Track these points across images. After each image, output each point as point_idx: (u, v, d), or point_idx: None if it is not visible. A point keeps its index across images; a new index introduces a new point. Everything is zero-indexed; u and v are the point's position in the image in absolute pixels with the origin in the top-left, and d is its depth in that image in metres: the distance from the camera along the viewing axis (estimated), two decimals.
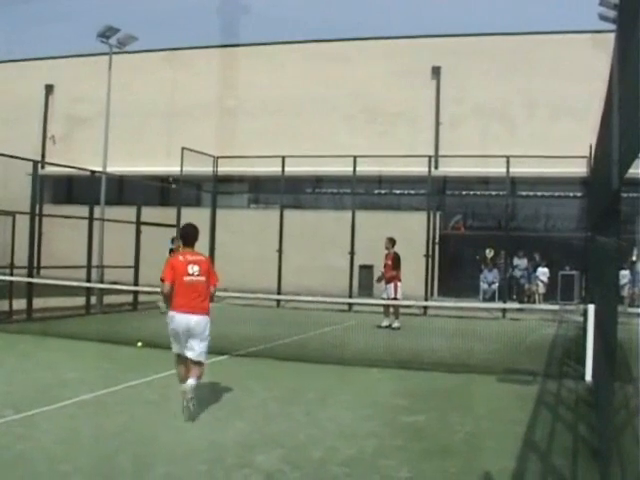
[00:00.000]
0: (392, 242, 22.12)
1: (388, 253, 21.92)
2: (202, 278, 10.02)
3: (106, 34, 30.20)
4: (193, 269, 10.02)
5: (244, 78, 33.78)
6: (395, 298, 21.33)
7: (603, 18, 20.29)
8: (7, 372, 12.60)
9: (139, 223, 25.32)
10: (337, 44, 35.80)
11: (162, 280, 10.08)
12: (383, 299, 21.68)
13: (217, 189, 31.59)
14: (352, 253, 28.12)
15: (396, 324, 21.22)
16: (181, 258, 10.16)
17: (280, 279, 28.48)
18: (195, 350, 9.92)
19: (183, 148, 27.47)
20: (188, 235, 10.51)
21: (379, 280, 21.98)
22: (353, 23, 56.40)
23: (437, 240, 29.39)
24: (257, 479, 7.27)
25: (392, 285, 21.55)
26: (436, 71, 34.00)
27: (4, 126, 37.62)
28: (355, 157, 28.42)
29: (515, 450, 8.30)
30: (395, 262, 21.75)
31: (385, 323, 21.52)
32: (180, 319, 9.88)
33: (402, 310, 22.20)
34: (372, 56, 34.82)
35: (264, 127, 34.03)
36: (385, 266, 21.77)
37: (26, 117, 39.58)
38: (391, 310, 21.74)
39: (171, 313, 9.96)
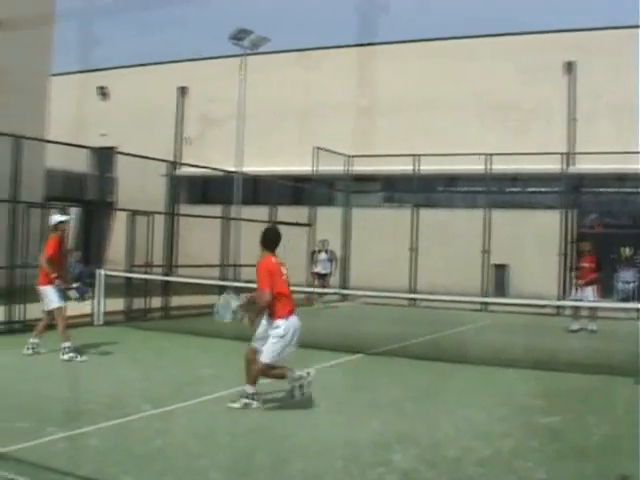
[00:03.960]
0: (589, 244, 21.42)
1: (584, 255, 21.18)
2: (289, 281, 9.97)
3: (239, 36, 30.63)
4: (284, 271, 9.98)
5: (376, 77, 33.74)
6: (593, 301, 20.62)
7: None
8: (145, 368, 12.90)
9: (273, 222, 25.59)
10: (466, 41, 35.35)
11: (261, 289, 9.66)
12: (576, 301, 20.78)
13: (350, 188, 31.68)
14: (486, 252, 27.82)
15: (594, 327, 20.49)
16: (273, 260, 9.95)
17: (413, 278, 28.41)
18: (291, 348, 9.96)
19: (316, 148, 27.64)
20: (275, 240, 10.25)
21: (579, 285, 21.03)
22: (482, 20, 55.61)
23: (572, 239, 28.73)
24: (392, 478, 7.21)
25: (592, 288, 20.69)
26: (569, 66, 33.23)
27: (140, 129, 38.49)
28: (488, 155, 28.10)
29: None
30: (598, 264, 20.99)
31: (576, 326, 20.72)
32: (294, 324, 9.80)
33: (535, 310, 21.78)
34: (502, 52, 34.27)
35: (397, 125, 33.89)
36: (581, 269, 21.02)
37: (161, 119, 40.40)
38: (587, 313, 20.97)
39: (282, 322, 9.67)
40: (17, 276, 16.80)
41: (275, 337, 9.65)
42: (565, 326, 20.83)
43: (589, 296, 20.51)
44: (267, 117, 36.01)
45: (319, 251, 27.06)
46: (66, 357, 13.09)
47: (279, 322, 9.63)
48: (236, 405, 9.68)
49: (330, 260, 27.10)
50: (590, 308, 20.75)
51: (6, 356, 13.41)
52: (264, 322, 9.84)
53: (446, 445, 8.45)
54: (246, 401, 9.74)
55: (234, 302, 8.70)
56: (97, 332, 17.14)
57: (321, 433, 8.84)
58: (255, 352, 9.81)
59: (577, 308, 21.01)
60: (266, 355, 9.67)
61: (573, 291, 21.15)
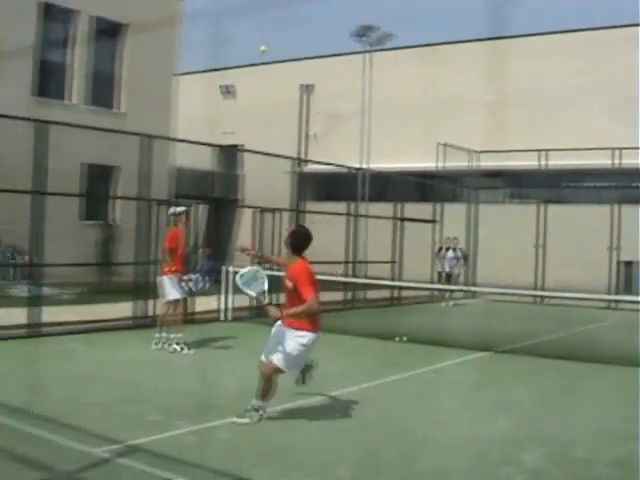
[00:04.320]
0: None
1: None
2: None
3: (363, 33, 30.65)
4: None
5: (504, 71, 33.22)
6: None
7: None
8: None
9: (399, 219, 25.49)
10: (595, 33, 34.56)
11: (309, 297, 8.57)
12: None
13: (476, 184, 31.32)
14: (614, 248, 27.09)
15: None
16: (309, 265, 8.93)
17: (539, 275, 27.90)
18: None
19: (442, 144, 27.40)
20: (308, 241, 9.12)
21: None
22: (607, 11, 54.22)
23: None
24: (521, 478, 7.11)
25: None
26: None
27: (265, 127, 38.89)
28: (617, 149, 27.36)
29: None
30: None
31: None
32: (316, 341, 8.92)
33: None
34: (627, 43, 33.27)
35: (524, 120, 33.34)
36: None
37: (286, 117, 40.75)
38: None
39: (309, 334, 8.71)
40: (146, 272, 17.13)
41: (298, 345, 8.62)
42: None
43: None
44: (392, 113, 35.90)
45: (446, 249, 25.92)
46: (171, 348, 13.27)
47: (305, 333, 8.65)
48: (244, 420, 8.53)
49: (457, 259, 25.76)
50: None
51: (136, 351, 13.67)
52: (278, 332, 8.79)
53: (575, 445, 8.29)
54: (254, 414, 8.61)
55: (263, 282, 7.70)
56: (225, 328, 17.34)
57: (448, 430, 8.76)
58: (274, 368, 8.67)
59: None
60: (282, 359, 8.60)
61: None
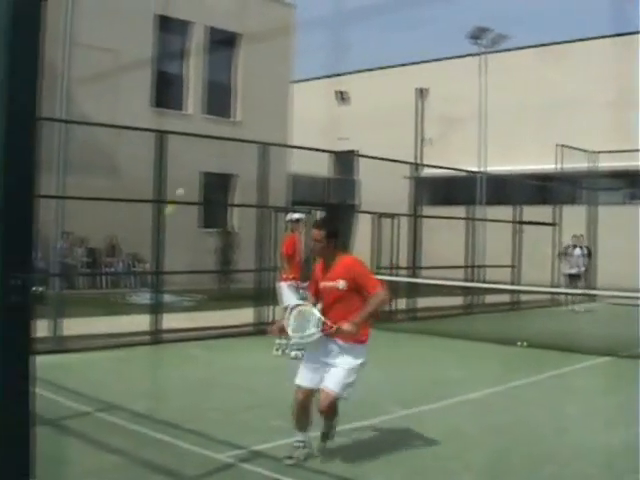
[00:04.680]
0: None
1: None
2: None
3: (477, 35, 30.33)
4: None
5: (625, 68, 32.36)
6: None
7: None
8: (394, 370, 12.86)
9: (518, 222, 25.11)
10: None
11: (377, 287, 7.13)
12: None
13: (595, 185, 30.61)
14: None
15: None
16: None
17: None
18: None
19: (559, 145, 26.87)
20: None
21: None
22: None
23: None
24: None
25: None
26: None
27: (380, 132, 38.79)
28: None
29: None
30: None
31: None
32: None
33: None
34: None
35: None
36: None
37: (401, 121, 40.58)
38: None
39: (364, 348, 7.37)
40: (265, 278, 17.25)
41: (355, 365, 7.17)
42: None
43: None
44: (508, 115, 35.38)
45: (573, 246, 25.18)
46: (293, 354, 13.19)
47: (362, 348, 7.26)
48: (291, 462, 7.20)
49: (584, 256, 25.00)
50: None
51: (257, 357, 13.73)
52: (321, 345, 7.20)
53: None
54: (301, 451, 7.32)
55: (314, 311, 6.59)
56: None
57: (573, 437, 8.60)
58: (311, 394, 7.27)
59: None
60: (339, 385, 7.11)
61: None
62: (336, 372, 7.05)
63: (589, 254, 25.77)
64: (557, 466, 7.43)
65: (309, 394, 7.18)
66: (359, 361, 7.16)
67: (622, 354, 14.83)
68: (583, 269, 25.04)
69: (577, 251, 24.92)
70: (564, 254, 25.49)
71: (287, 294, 13.69)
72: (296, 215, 14.41)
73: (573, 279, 24.79)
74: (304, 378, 7.18)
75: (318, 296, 7.37)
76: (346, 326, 6.84)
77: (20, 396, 2.34)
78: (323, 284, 7.25)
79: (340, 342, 7.06)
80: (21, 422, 2.36)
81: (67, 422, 8.57)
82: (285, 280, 13.77)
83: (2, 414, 2.31)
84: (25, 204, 2.29)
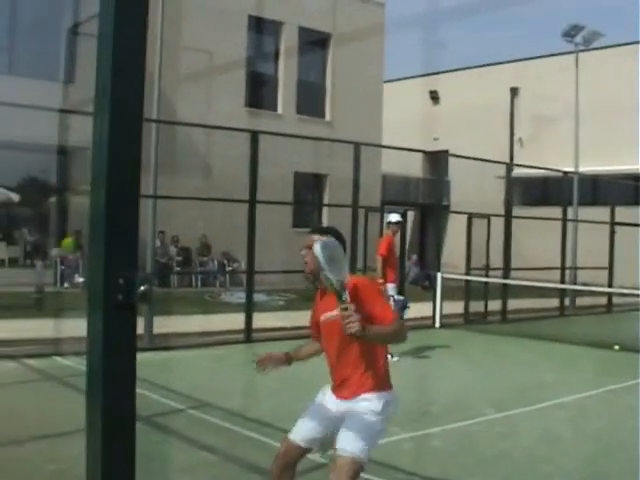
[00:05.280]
0: None
1: None
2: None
3: (571, 33, 29.85)
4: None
5: None
6: None
7: None
8: (487, 372, 12.77)
9: (612, 223, 24.65)
10: None
11: (395, 320, 4.87)
12: None
13: None
14: None
15: None
16: None
17: None
18: None
19: None
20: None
21: None
22: None
23: None
24: None
25: None
26: None
27: (471, 131, 38.50)
28: None
29: None
30: None
31: None
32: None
33: None
34: None
35: None
36: None
37: (492, 121, 40.24)
38: None
39: (392, 396, 5.08)
40: None
41: (377, 416, 4.89)
42: None
43: None
44: (602, 115, 34.79)
45: None
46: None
47: (384, 395, 4.97)
48: None
49: None
50: None
51: None
52: (326, 395, 5.33)
53: None
54: None
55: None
56: (435, 334, 17.25)
57: None
58: (298, 454, 5.31)
59: None
60: (361, 446, 4.76)
61: None
62: (352, 424, 4.88)
63: None
64: None
65: (296, 453, 5.27)
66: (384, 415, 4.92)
67: None
68: None
69: None
70: None
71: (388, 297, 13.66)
72: (396, 216, 14.31)
73: None
74: (298, 427, 5.30)
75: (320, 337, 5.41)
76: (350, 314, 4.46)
77: (127, 398, 2.37)
78: (324, 317, 5.12)
79: (350, 398, 4.99)
80: (128, 424, 2.40)
81: (161, 419, 8.70)
82: (385, 283, 13.68)
83: (109, 416, 2.34)
84: (131, 204, 2.32)
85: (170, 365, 12.37)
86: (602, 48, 34.47)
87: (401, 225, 14.61)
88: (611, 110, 35.25)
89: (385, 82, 34.38)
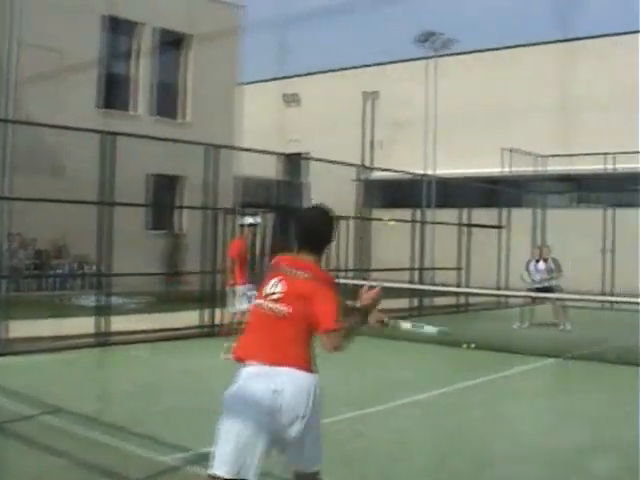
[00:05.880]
0: None
1: None
2: (282, 308, 4.72)
3: (426, 39, 30.56)
4: (271, 288, 4.82)
5: (570, 74, 32.80)
6: None
7: None
8: (341, 371, 12.84)
9: (464, 225, 25.29)
10: None
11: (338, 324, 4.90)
12: None
13: (542, 189, 30.95)
14: None
15: None
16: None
17: (607, 280, 27.48)
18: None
19: (507, 148, 27.16)
20: (302, 228, 4.99)
21: None
22: None
23: None
24: None
25: None
26: None
27: (330, 134, 38.80)
28: None
29: None
30: None
31: None
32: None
33: None
34: None
35: (593, 124, 32.81)
36: None
37: (350, 124, 40.70)
38: None
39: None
40: (212, 281, 17.22)
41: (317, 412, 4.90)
42: None
43: None
44: (457, 119, 35.63)
45: (536, 260, 21.73)
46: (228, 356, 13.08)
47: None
48: None
49: (549, 271, 21.30)
50: None
51: (204, 359, 13.69)
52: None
53: None
54: None
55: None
56: None
57: (518, 439, 8.66)
58: None
59: None
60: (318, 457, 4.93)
61: None
62: (304, 432, 4.72)
63: (557, 267, 21.97)
64: (502, 468, 7.50)
65: None
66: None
67: (567, 356, 15.04)
68: (554, 282, 21.51)
69: (540, 265, 21.62)
70: (526, 269, 23.14)
71: (236, 297, 13.69)
72: (249, 219, 14.36)
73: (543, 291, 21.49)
74: (222, 457, 4.66)
75: None
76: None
77: None
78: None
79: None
80: None
81: (10, 425, 8.49)
82: (234, 283, 13.75)
83: None
84: None
85: (21, 370, 12.06)
86: (457, 54, 35.42)
87: (254, 228, 14.65)
88: (466, 115, 36.11)
89: (244, 84, 34.38)
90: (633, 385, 12.27)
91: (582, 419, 9.66)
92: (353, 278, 21.49)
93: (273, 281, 4.82)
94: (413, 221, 24.17)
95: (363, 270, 21.93)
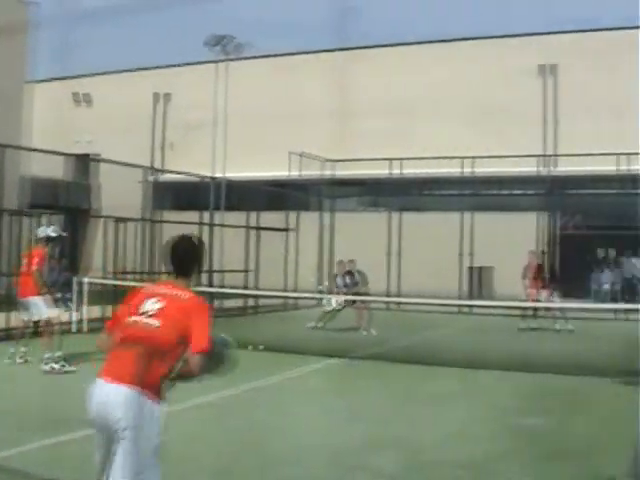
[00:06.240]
0: (536, 253, 22.56)
1: (531, 264, 21.72)
2: (155, 322, 4.99)
3: (217, 42, 30.71)
4: (148, 305, 5.09)
5: (358, 81, 33.77)
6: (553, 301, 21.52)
7: None
8: None
9: (253, 228, 25.59)
10: (445, 45, 35.61)
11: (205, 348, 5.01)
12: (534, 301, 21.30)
13: (329, 193, 31.70)
14: (466, 254, 27.95)
15: (569, 326, 20.97)
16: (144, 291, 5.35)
17: (393, 281, 28.43)
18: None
19: (296, 153, 27.68)
20: (181, 256, 5.38)
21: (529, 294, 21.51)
22: (461, 23, 56.09)
23: (551, 241, 28.83)
24: None
25: (548, 290, 21.48)
26: (549, 69, 33.46)
27: (122, 135, 38.33)
28: (468, 158, 28.31)
29: (633, 452, 8.06)
30: (541, 272, 21.94)
31: (534, 325, 21.51)
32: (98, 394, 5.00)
33: (514, 312, 22.05)
34: (481, 56, 34.49)
35: (377, 130, 33.90)
36: (530, 279, 21.50)
37: (143, 126, 40.34)
38: (557, 314, 21.58)
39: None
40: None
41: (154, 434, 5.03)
42: (521, 326, 21.38)
43: (548, 297, 21.32)
44: (248, 122, 36.02)
45: (342, 276, 21.26)
46: (48, 367, 12.90)
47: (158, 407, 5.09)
48: None
49: (356, 284, 20.95)
50: (554, 309, 21.48)
51: None
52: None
53: (426, 448, 8.53)
54: None
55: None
56: (78, 340, 17.01)
57: (302, 438, 8.84)
58: None
59: (535, 309, 21.75)
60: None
61: (534, 291, 21.40)
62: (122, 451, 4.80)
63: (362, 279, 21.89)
64: (287, 467, 7.65)
65: None
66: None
67: (352, 355, 15.50)
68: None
69: (347, 279, 21.35)
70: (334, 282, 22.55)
71: (40, 305, 13.29)
72: (53, 233, 13.88)
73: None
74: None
75: None
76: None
77: None
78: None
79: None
80: None
81: None
82: (35, 293, 13.32)
83: None
84: None
85: None
86: (247, 59, 35.72)
87: (58, 241, 14.28)
88: (256, 119, 36.51)
89: (36, 82, 33.45)
90: (413, 382, 12.95)
91: (365, 417, 9.94)
92: (141, 280, 21.41)
93: (151, 300, 5.09)
94: (201, 223, 24.25)
95: (152, 273, 21.86)
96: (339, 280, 21.11)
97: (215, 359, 5.08)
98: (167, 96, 41.22)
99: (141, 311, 5.07)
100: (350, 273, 20.99)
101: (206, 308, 5.25)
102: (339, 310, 20.29)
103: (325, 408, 10.39)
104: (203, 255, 5.63)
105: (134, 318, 5.07)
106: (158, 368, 4.97)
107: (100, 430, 4.94)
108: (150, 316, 5.02)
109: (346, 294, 20.45)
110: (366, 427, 9.40)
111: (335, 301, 20.23)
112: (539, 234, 27.68)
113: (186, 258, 5.39)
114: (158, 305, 5.06)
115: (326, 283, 21.71)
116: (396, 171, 30.74)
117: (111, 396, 4.84)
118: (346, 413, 10.18)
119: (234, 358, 5.30)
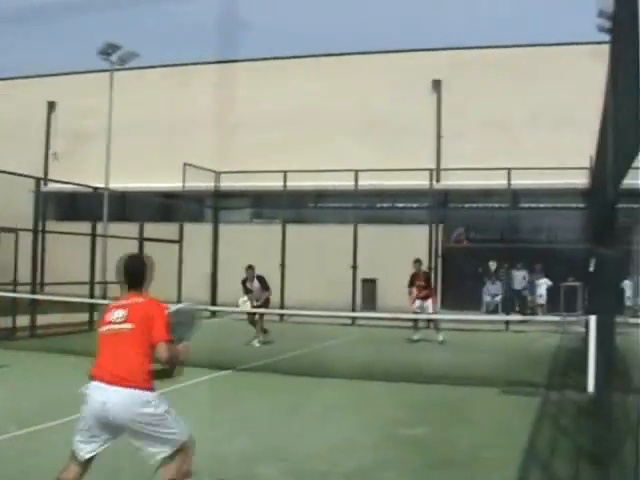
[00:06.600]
0: (420, 262, 22.53)
1: (417, 273, 22.04)
2: (128, 325, 6.17)
3: (107, 51, 30.41)
4: (117, 315, 6.30)
5: (245, 93, 33.75)
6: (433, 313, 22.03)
7: (601, 30, 20.25)
8: (10, 388, 12.61)
9: (142, 239, 25.38)
10: (338, 58, 35.90)
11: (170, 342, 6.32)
12: (416, 313, 21.62)
13: (219, 204, 31.63)
14: (355, 267, 28.21)
15: (440, 337, 21.29)
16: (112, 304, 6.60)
17: (283, 293, 28.50)
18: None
19: (184, 164, 27.57)
20: (131, 273, 6.62)
21: (413, 301, 21.83)
22: (354, 37, 56.71)
23: (440, 253, 29.33)
24: None
25: (431, 301, 21.91)
26: (438, 84, 34.07)
27: (6, 144, 37.55)
28: (357, 171, 28.61)
29: (517, 460, 8.30)
30: (429, 281, 22.59)
31: (416, 336, 21.77)
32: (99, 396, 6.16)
33: (402, 324, 22.38)
34: (373, 70, 34.90)
35: (266, 141, 33.99)
36: (417, 287, 21.79)
37: (30, 134, 39.58)
38: (434, 325, 22.10)
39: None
40: None
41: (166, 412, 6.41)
42: (408, 337, 21.76)
43: (429, 308, 21.77)
44: (137, 133, 35.71)
45: (252, 280, 21.23)
46: None
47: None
48: None
49: (267, 288, 21.18)
50: (433, 320, 22.13)
51: None
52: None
53: (312, 458, 8.58)
54: None
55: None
56: None
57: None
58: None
59: (416, 320, 22.02)
60: (182, 431, 6.60)
61: (417, 302, 21.79)
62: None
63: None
64: None
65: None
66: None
67: (238, 368, 15.53)
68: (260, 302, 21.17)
69: (255, 283, 21.21)
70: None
71: None
72: None
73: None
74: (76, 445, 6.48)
75: None
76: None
77: None
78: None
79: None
80: None
81: None
82: None
83: None
84: None
85: None
86: (138, 68, 35.44)
87: None
88: (146, 129, 36.23)
89: None
90: (300, 393, 13.02)
91: (249, 428, 9.99)
92: (28, 292, 21.05)
93: (117, 311, 6.32)
94: (91, 234, 23.95)
95: (38, 284, 21.49)
96: (256, 283, 21.00)
97: (185, 326, 6.60)
98: (54, 104, 40.52)
99: (113, 320, 6.28)
100: (260, 278, 21.01)
101: (161, 306, 6.41)
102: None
103: (209, 420, 10.38)
104: (150, 268, 6.78)
105: (108, 327, 6.29)
106: (142, 364, 6.11)
107: (100, 427, 6.20)
108: (122, 322, 6.22)
109: (258, 299, 20.64)
110: (250, 438, 9.44)
111: (244, 300, 20.37)
112: (430, 246, 28.09)
113: (136, 273, 6.64)
114: (125, 312, 6.27)
115: (245, 298, 21.30)
116: (290, 183, 30.77)
117: (114, 399, 6.02)
118: (230, 424, 10.21)
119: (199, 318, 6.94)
